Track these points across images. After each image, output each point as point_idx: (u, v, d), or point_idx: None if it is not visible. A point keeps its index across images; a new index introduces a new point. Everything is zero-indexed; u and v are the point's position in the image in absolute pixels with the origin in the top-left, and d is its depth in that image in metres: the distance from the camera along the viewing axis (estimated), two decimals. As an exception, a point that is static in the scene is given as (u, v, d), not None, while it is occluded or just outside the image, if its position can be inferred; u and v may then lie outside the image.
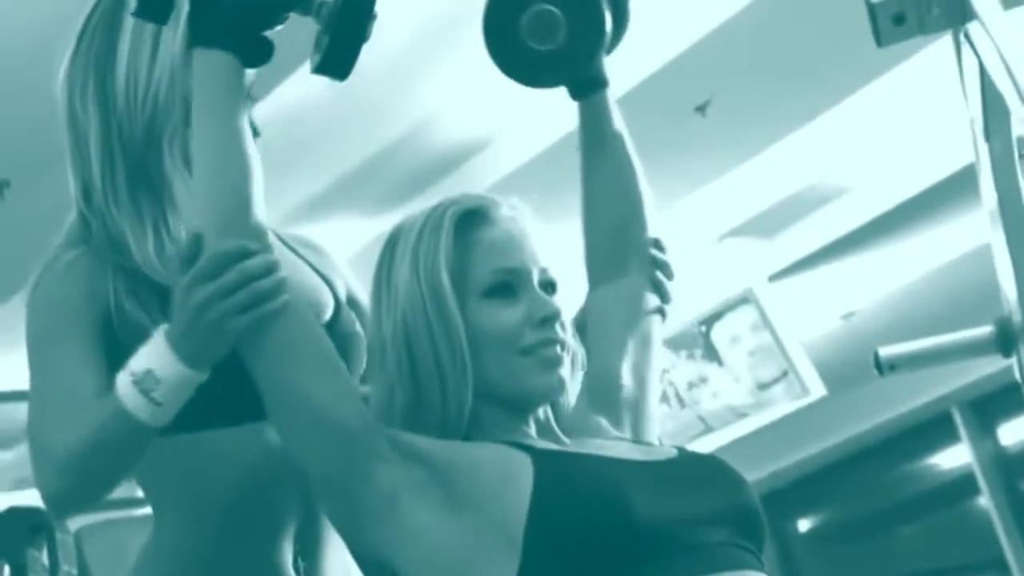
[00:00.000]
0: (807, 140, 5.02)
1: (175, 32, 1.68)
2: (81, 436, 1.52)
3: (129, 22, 1.70)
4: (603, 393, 1.71)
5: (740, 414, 5.88)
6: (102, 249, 1.68)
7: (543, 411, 1.62)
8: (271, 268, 1.49)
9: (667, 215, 5.22)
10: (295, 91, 3.65)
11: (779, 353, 5.77)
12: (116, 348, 1.62)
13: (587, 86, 1.83)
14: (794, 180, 5.40)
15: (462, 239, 1.59)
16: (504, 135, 4.71)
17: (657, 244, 1.82)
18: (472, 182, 4.60)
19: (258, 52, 1.59)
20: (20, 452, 4.53)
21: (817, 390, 5.98)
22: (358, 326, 1.81)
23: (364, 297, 1.78)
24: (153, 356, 1.49)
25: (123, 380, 1.51)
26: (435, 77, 4.23)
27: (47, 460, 1.56)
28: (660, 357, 1.78)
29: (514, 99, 4.27)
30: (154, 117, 1.69)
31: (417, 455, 1.50)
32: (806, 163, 5.27)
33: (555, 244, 1.63)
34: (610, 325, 1.75)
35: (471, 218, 1.61)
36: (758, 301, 5.74)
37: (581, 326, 1.73)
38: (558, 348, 1.58)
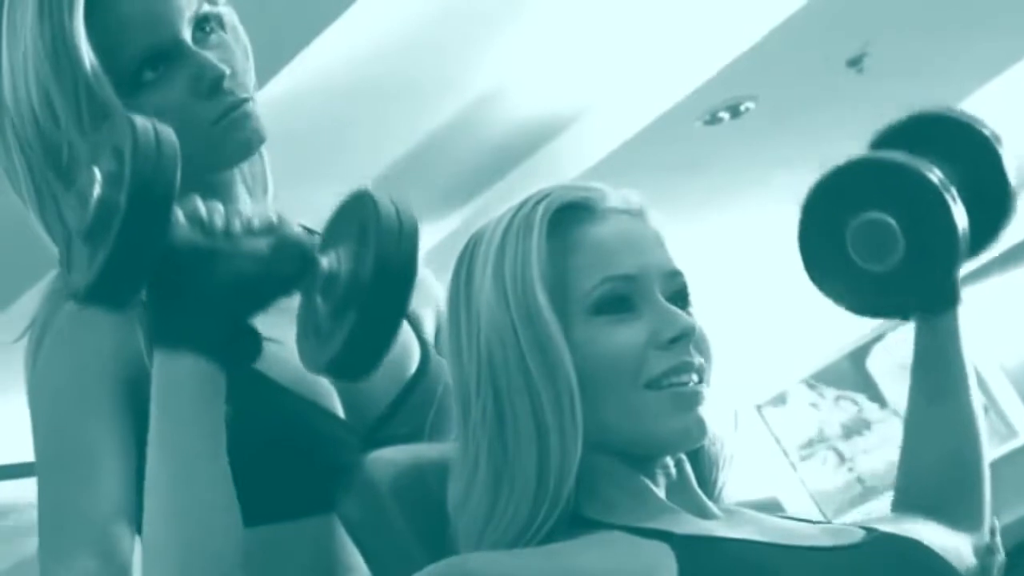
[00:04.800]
0: (991, 100, 4.81)
1: None
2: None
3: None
4: None
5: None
6: None
7: (676, 463, 1.51)
8: None
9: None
10: (315, 66, 3.60)
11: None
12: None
13: (927, 306, 1.75)
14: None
15: (560, 242, 1.50)
16: (590, 112, 4.67)
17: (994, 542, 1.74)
18: (548, 174, 4.53)
19: (241, 349, 1.48)
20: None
21: (1028, 429, 5.75)
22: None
23: None
24: None
25: None
26: (497, 43, 4.15)
27: None
28: None
29: (602, 65, 4.42)
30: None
31: None
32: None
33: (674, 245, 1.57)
34: None
35: (570, 214, 1.51)
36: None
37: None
38: (694, 377, 1.47)
